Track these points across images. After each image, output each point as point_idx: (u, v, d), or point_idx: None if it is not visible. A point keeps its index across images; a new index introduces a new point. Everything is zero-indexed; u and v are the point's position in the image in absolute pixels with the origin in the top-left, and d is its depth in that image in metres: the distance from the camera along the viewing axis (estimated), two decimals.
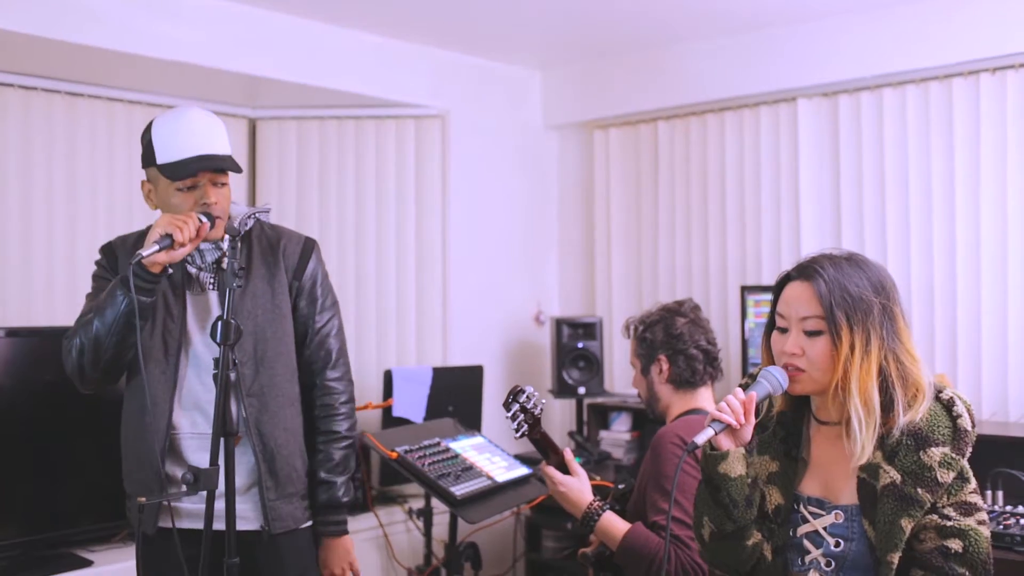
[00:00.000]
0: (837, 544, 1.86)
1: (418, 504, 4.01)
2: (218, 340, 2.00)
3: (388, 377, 4.03)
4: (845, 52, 3.90)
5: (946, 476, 1.78)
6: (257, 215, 2.47)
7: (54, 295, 3.64)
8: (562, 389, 4.38)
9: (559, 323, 4.42)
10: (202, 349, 2.35)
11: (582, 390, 4.37)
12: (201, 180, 2.29)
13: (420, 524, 3.97)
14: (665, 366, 2.70)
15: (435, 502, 3.78)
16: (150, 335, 2.32)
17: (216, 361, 2.02)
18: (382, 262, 4.38)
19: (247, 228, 2.42)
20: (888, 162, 3.87)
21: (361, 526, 3.86)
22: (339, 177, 4.36)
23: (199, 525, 2.24)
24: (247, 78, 3.82)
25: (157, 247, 2.16)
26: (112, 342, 2.22)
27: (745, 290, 4.01)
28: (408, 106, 4.39)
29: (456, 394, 4.21)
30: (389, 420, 3.97)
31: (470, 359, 4.46)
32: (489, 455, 3.34)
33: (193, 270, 2.39)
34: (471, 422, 4.14)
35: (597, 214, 4.83)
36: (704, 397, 2.73)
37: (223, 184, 2.34)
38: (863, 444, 1.80)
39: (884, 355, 1.82)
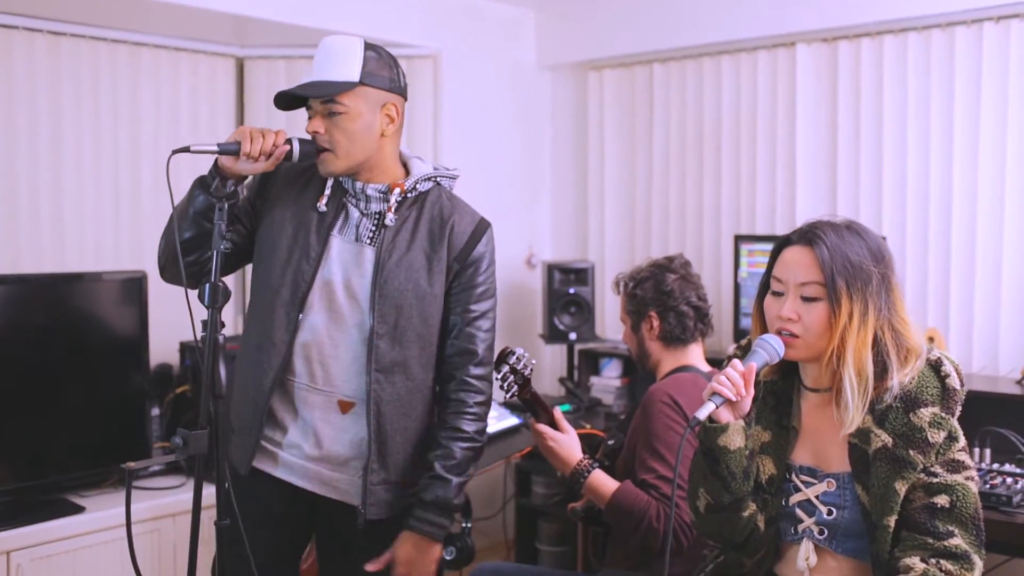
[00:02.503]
0: (830, 512, 1.87)
1: None
2: (205, 303, 1.96)
3: None
4: None
5: (936, 436, 1.79)
6: (439, 179, 2.29)
7: (41, 241, 3.58)
8: (553, 335, 4.38)
9: (551, 268, 4.39)
10: (342, 301, 2.20)
11: (573, 336, 4.36)
12: (314, 107, 2.18)
13: None
14: (655, 323, 2.69)
15: None
16: (282, 271, 2.19)
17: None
18: None
19: (422, 191, 2.26)
20: (887, 110, 3.81)
21: None
22: None
23: (290, 478, 2.24)
24: (234, 17, 3.72)
25: (216, 147, 2.05)
26: (180, 230, 2.10)
27: (739, 239, 3.98)
28: (400, 46, 4.28)
29: None
30: None
31: None
32: None
33: (356, 215, 2.23)
34: None
35: (591, 157, 4.77)
36: (695, 354, 2.74)
37: (338, 113, 2.14)
38: (854, 413, 1.81)
39: (880, 325, 1.82)
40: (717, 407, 1.80)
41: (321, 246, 2.21)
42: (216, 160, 2.10)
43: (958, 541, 1.75)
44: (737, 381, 1.79)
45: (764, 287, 1.93)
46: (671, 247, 4.44)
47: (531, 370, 2.49)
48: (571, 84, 4.89)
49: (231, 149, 2.06)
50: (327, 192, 2.25)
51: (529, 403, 2.54)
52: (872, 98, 3.86)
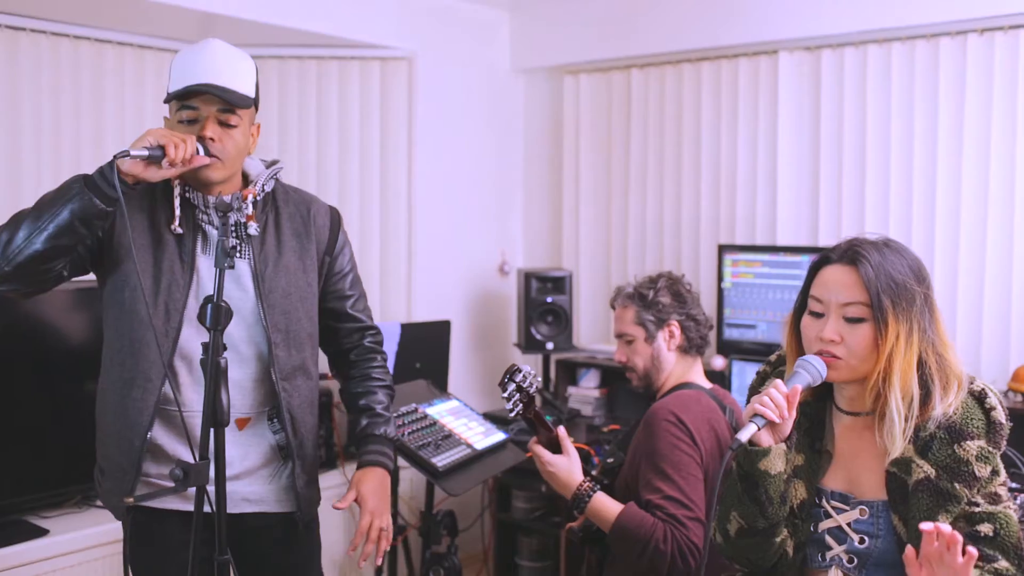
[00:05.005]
0: (862, 541, 1.81)
1: None
2: (208, 325, 1.84)
3: None
4: (830, 5, 3.78)
5: (983, 470, 1.74)
6: (276, 175, 2.24)
7: None
8: (529, 344, 4.29)
9: (528, 276, 4.30)
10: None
11: (550, 345, 4.29)
12: (203, 113, 2.06)
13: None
14: (677, 331, 2.62)
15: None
16: (151, 301, 2.06)
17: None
18: (345, 210, 4.18)
19: (268, 191, 2.20)
20: (870, 120, 3.80)
21: (329, 483, 3.73)
22: (300, 121, 4.15)
23: (187, 507, 2.10)
24: (201, 15, 3.57)
25: (147, 152, 1.91)
26: (43, 233, 1.90)
27: (723, 248, 3.93)
28: (373, 47, 4.17)
29: (423, 351, 4.08)
30: None
31: (435, 313, 4.33)
32: (466, 420, 3.24)
33: (214, 232, 2.12)
34: (439, 380, 4.03)
35: (566, 163, 4.69)
36: (697, 369, 2.67)
37: (231, 126, 2.08)
38: (899, 438, 1.75)
39: (925, 347, 1.76)
40: (759, 429, 1.73)
41: (189, 272, 2.11)
42: (114, 162, 1.93)
43: (1006, 564, 1.71)
44: (780, 402, 1.73)
45: (800, 307, 1.87)
46: (648, 256, 4.38)
47: (536, 388, 2.40)
48: (546, 88, 4.80)
49: (157, 155, 1.94)
50: (177, 213, 2.12)
51: (531, 422, 2.45)
52: (855, 108, 3.84)
